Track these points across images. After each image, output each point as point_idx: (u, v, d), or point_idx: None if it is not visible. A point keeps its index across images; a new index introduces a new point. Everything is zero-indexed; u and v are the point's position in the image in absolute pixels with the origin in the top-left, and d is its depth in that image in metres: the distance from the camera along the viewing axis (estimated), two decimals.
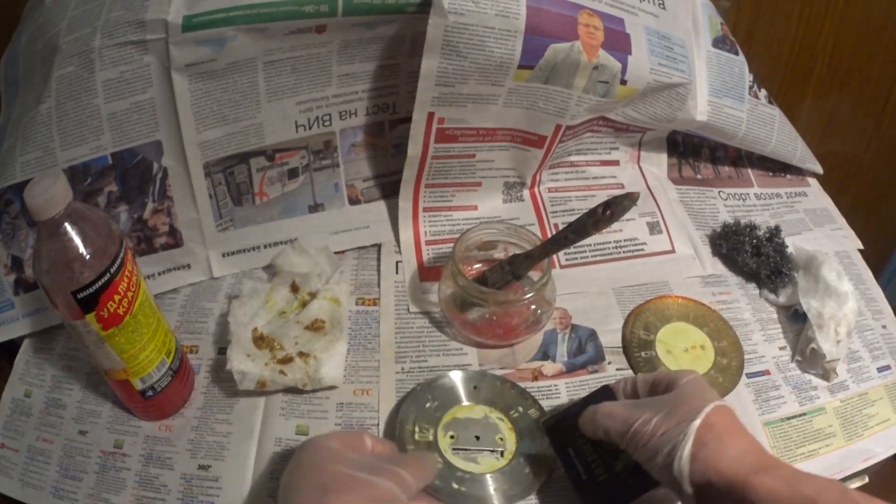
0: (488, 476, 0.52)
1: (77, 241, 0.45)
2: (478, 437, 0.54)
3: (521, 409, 0.56)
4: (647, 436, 0.44)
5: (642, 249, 0.71)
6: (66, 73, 0.56)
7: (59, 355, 0.61)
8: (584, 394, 0.54)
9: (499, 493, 0.51)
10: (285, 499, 0.43)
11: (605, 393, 0.51)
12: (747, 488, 0.40)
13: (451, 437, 0.54)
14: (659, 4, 0.68)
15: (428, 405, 0.55)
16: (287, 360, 0.56)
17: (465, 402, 0.56)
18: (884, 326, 0.67)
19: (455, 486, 0.51)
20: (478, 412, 0.56)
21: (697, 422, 0.43)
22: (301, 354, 0.57)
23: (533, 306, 0.60)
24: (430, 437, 0.53)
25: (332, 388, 0.58)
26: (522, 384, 0.58)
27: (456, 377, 0.58)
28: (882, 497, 0.40)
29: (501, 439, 0.54)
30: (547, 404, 0.57)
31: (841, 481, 0.40)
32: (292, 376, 0.55)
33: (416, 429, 0.53)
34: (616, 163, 0.78)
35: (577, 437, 0.50)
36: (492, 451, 0.53)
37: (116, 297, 0.47)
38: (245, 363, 0.55)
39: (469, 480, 0.51)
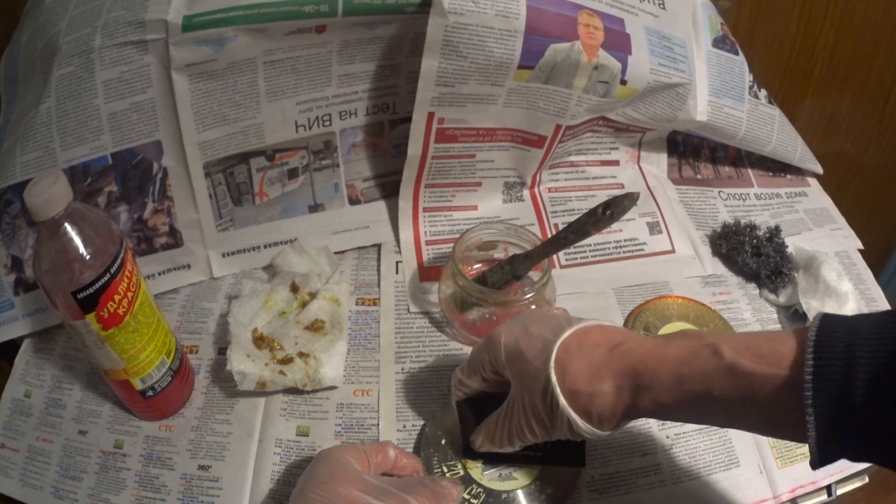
0: (532, 486, 0.51)
1: (77, 241, 0.45)
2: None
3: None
4: (531, 438, 0.45)
5: (642, 249, 0.71)
6: (66, 73, 0.56)
7: (59, 355, 0.61)
8: None
9: (550, 498, 0.50)
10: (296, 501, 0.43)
11: (469, 405, 0.52)
12: (642, 412, 0.41)
13: (480, 461, 0.52)
14: (659, 4, 0.68)
15: (443, 441, 0.53)
16: (287, 361, 0.56)
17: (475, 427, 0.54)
18: None
19: None
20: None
21: (563, 402, 0.42)
22: (301, 355, 0.57)
23: (533, 306, 0.60)
24: (462, 472, 0.52)
25: (332, 388, 0.58)
26: None
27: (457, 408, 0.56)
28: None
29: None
30: None
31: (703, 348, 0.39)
32: (292, 377, 0.55)
33: (445, 470, 0.52)
34: (616, 163, 0.78)
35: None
36: (524, 459, 0.52)
37: (116, 298, 0.47)
38: (245, 364, 0.55)
39: (515, 500, 0.50)
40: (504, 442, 0.48)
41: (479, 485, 0.51)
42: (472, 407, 0.52)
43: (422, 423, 0.56)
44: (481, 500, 0.50)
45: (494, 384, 0.49)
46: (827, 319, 0.35)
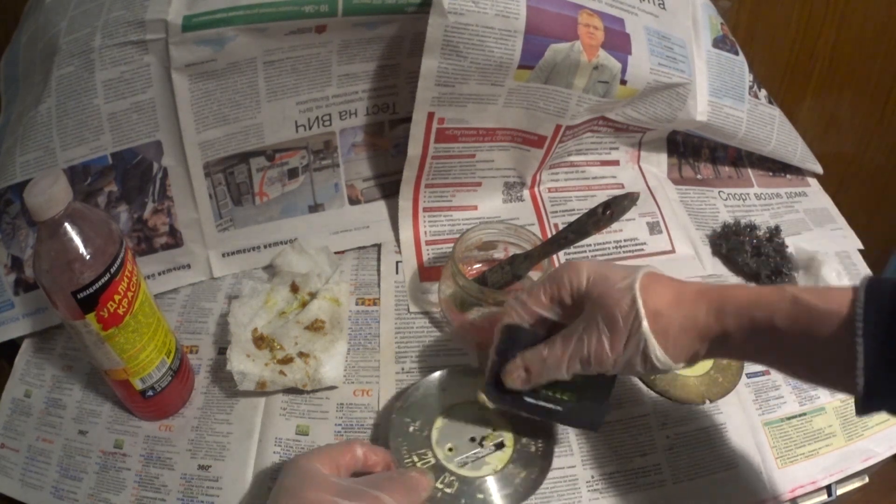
0: (504, 471, 0.51)
1: (77, 241, 0.45)
2: (473, 439, 0.53)
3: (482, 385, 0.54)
4: (610, 362, 0.44)
5: (642, 249, 0.71)
6: (66, 73, 0.56)
7: (59, 355, 0.61)
8: None
9: (525, 481, 0.50)
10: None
11: (514, 332, 0.48)
12: (720, 341, 0.42)
13: (450, 450, 0.52)
14: (659, 4, 0.68)
15: (411, 429, 0.53)
16: (287, 361, 0.56)
17: (442, 409, 0.55)
18: None
19: (480, 496, 0.49)
20: (459, 412, 0.54)
21: (645, 322, 0.43)
22: (301, 354, 0.57)
23: None
24: (433, 460, 0.52)
25: (332, 388, 0.58)
26: None
27: (421, 388, 0.56)
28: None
29: (495, 429, 0.53)
30: None
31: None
32: (292, 376, 0.55)
33: (416, 459, 0.52)
34: (616, 163, 0.78)
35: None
36: (495, 447, 0.52)
37: (116, 297, 0.47)
38: (245, 363, 0.55)
39: (489, 485, 0.50)
40: (553, 368, 0.46)
41: (452, 473, 0.50)
42: (511, 339, 0.49)
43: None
44: (455, 488, 0.50)
45: (553, 314, 0.48)
46: (875, 278, 0.38)
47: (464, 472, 0.51)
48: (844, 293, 0.38)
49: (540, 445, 0.52)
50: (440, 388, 0.56)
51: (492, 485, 0.50)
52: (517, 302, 0.48)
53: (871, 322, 0.36)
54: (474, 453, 0.52)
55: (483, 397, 0.50)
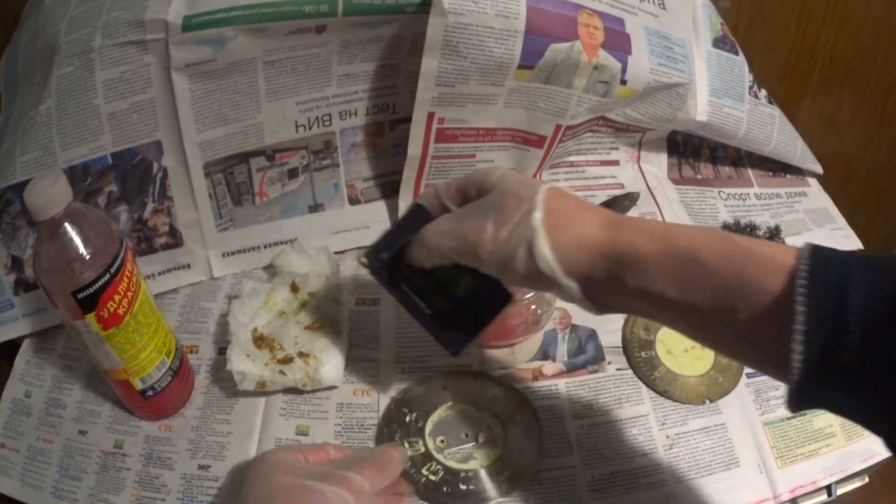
0: (492, 467, 0.52)
1: (77, 241, 0.45)
2: (466, 435, 0.54)
3: (494, 393, 0.56)
4: (488, 243, 0.40)
5: None
6: (66, 73, 0.56)
7: (59, 355, 0.61)
8: (584, 393, 0.54)
9: (509, 480, 0.51)
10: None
11: (418, 212, 0.46)
12: (621, 254, 0.37)
13: (441, 441, 0.54)
14: (659, 4, 0.68)
15: (408, 419, 0.55)
16: (287, 361, 0.56)
17: (441, 406, 0.56)
18: None
19: (463, 486, 0.51)
20: (456, 411, 0.56)
21: (538, 213, 0.39)
22: (301, 354, 0.57)
23: (533, 306, 0.60)
24: (423, 449, 0.53)
25: (332, 388, 0.58)
26: (522, 384, 0.58)
27: (423, 384, 0.57)
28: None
29: (489, 428, 0.54)
30: (547, 404, 0.57)
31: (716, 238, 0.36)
32: (292, 376, 0.55)
33: (407, 446, 0.53)
34: (616, 163, 0.78)
35: (404, 269, 0.46)
36: (486, 443, 0.53)
37: (116, 298, 0.47)
38: (245, 364, 0.55)
39: (474, 478, 0.51)
40: (432, 242, 0.43)
41: (439, 462, 0.52)
42: (415, 218, 0.47)
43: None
44: (439, 476, 0.51)
45: (455, 205, 0.46)
46: (816, 248, 0.32)
47: (451, 462, 0.52)
48: (783, 246, 0.33)
49: (530, 446, 0.53)
50: (441, 386, 0.57)
51: (477, 477, 0.51)
52: (430, 188, 0.47)
53: (816, 282, 0.30)
54: (464, 447, 0.53)
55: (363, 260, 0.48)
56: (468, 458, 0.53)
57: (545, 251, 0.38)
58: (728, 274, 0.33)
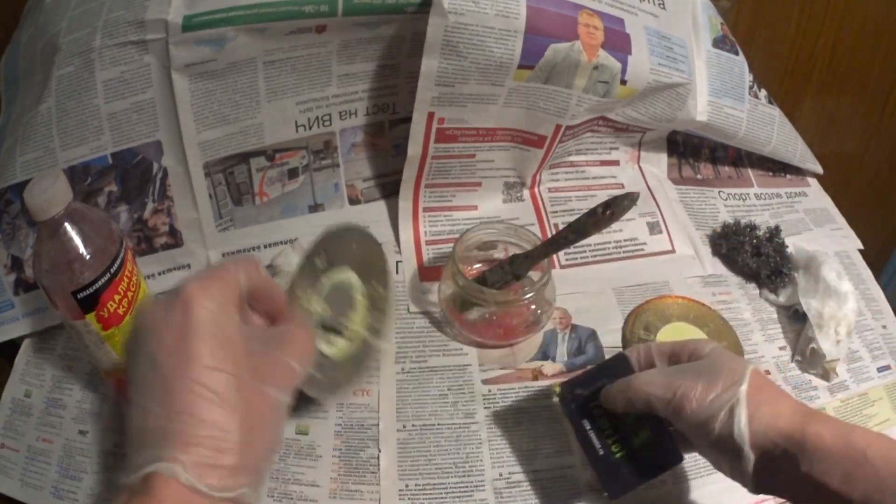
0: (331, 361, 0.48)
1: (77, 241, 0.45)
2: (343, 316, 0.50)
3: (377, 286, 0.53)
4: (694, 402, 0.44)
5: (642, 249, 0.71)
6: (66, 73, 0.56)
7: (59, 355, 0.61)
8: None
9: (333, 381, 0.48)
10: (167, 381, 0.32)
11: (622, 362, 0.50)
12: (806, 438, 0.40)
13: (325, 311, 0.49)
14: (659, 4, 0.68)
15: (318, 262, 0.49)
16: None
17: (346, 265, 0.51)
18: (884, 326, 0.67)
19: (312, 372, 0.45)
20: (351, 279, 0.51)
21: (744, 386, 0.43)
22: None
23: (533, 306, 0.60)
24: (307, 306, 0.47)
25: None
26: (522, 383, 0.58)
27: (360, 237, 0.52)
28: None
29: (356, 317, 0.51)
30: (547, 404, 0.57)
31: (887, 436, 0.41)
32: None
33: (299, 294, 0.47)
34: (616, 163, 0.78)
35: (593, 408, 0.49)
36: (344, 335, 0.49)
37: (116, 297, 0.47)
38: None
39: (326, 366, 0.47)
40: (638, 389, 0.47)
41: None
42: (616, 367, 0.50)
43: (422, 423, 0.56)
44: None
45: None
46: None
47: (321, 340, 0.48)
48: None
49: (372, 362, 0.51)
50: (366, 242, 0.52)
51: (324, 368, 0.47)
52: (643, 346, 0.51)
53: None
54: (336, 326, 0.49)
55: (557, 390, 0.51)
56: (329, 341, 0.49)
57: (743, 419, 0.43)
58: (887, 475, 0.38)
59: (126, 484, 0.31)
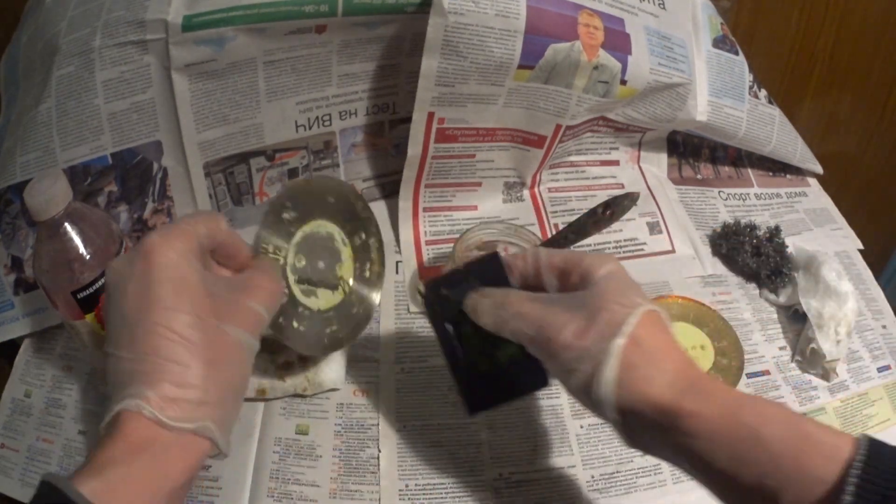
0: (322, 314, 0.47)
1: (77, 241, 0.45)
2: (322, 264, 0.48)
3: (363, 235, 0.51)
4: (560, 346, 0.38)
5: (642, 249, 0.71)
6: (66, 73, 0.56)
7: (59, 355, 0.61)
8: None
9: (332, 336, 0.47)
10: (132, 330, 0.35)
11: (496, 265, 0.44)
12: (680, 417, 0.35)
13: (299, 261, 0.47)
14: (659, 4, 0.68)
15: (286, 215, 0.47)
16: (287, 365, 0.56)
17: (319, 217, 0.49)
18: (884, 326, 0.67)
19: (295, 324, 0.45)
20: (326, 229, 0.49)
21: (622, 340, 0.37)
22: (301, 359, 0.57)
23: None
24: (282, 261, 0.46)
25: (333, 390, 0.57)
26: None
27: (325, 181, 0.51)
28: None
29: (341, 268, 0.49)
30: (547, 404, 0.57)
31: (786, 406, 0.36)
32: (292, 382, 0.55)
33: (270, 251, 0.46)
34: (616, 163, 0.78)
35: (458, 314, 0.44)
36: (330, 287, 0.48)
37: None
38: None
39: (308, 319, 0.46)
40: (508, 310, 0.41)
41: (287, 285, 0.46)
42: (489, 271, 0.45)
43: (422, 422, 0.56)
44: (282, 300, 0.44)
45: (551, 286, 0.43)
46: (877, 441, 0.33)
47: (297, 290, 0.46)
48: (844, 436, 0.33)
49: (362, 311, 0.49)
50: (343, 194, 0.50)
51: (309, 319, 0.46)
52: (534, 251, 0.44)
53: (869, 478, 0.31)
54: (316, 277, 0.47)
55: (420, 288, 0.46)
56: (311, 293, 0.47)
57: (609, 384, 0.37)
58: (785, 458, 0.33)
59: (101, 427, 0.34)
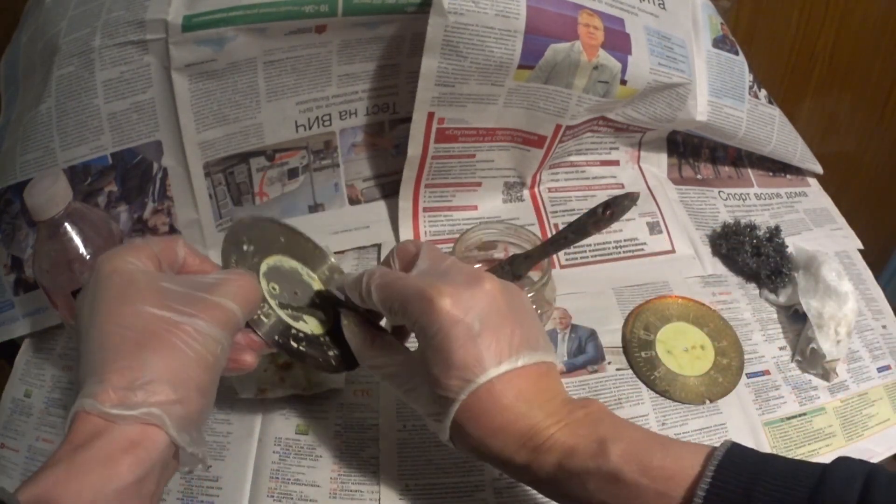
0: (323, 338, 0.47)
1: (77, 241, 0.45)
2: (297, 293, 0.48)
3: (326, 270, 0.51)
4: (401, 386, 0.40)
5: (642, 249, 0.71)
6: (66, 73, 0.56)
7: (59, 355, 0.61)
8: (584, 394, 0.54)
9: (337, 357, 0.47)
10: (85, 338, 0.35)
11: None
12: (531, 468, 0.36)
13: (273, 288, 0.46)
14: (659, 4, 0.68)
15: (245, 248, 0.46)
16: (287, 366, 0.56)
17: (277, 253, 0.48)
18: (884, 326, 0.67)
19: (294, 344, 0.45)
20: (289, 264, 0.49)
21: (455, 406, 0.37)
22: None
23: (532, 306, 0.60)
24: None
25: (333, 389, 0.58)
26: None
27: (270, 222, 0.50)
28: None
29: (320, 307, 0.49)
30: None
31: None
32: (292, 382, 0.55)
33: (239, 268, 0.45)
34: (616, 163, 0.78)
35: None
36: (314, 311, 0.48)
37: None
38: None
39: (305, 340, 0.46)
40: (369, 357, 0.43)
41: (272, 307, 0.45)
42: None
43: (422, 422, 0.56)
44: (272, 321, 0.44)
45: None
46: (733, 452, 0.33)
47: (282, 313, 0.46)
48: (680, 469, 0.33)
49: (355, 337, 0.48)
50: (279, 235, 0.50)
51: (309, 341, 0.46)
52: (363, 286, 0.42)
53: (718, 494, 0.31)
54: (296, 304, 0.47)
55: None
56: (298, 318, 0.47)
57: (443, 430, 0.38)
58: (643, 483, 0.33)
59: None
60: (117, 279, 0.36)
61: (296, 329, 0.46)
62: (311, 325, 0.47)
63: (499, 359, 0.37)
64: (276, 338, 0.44)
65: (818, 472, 0.32)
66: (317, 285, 0.50)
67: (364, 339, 0.44)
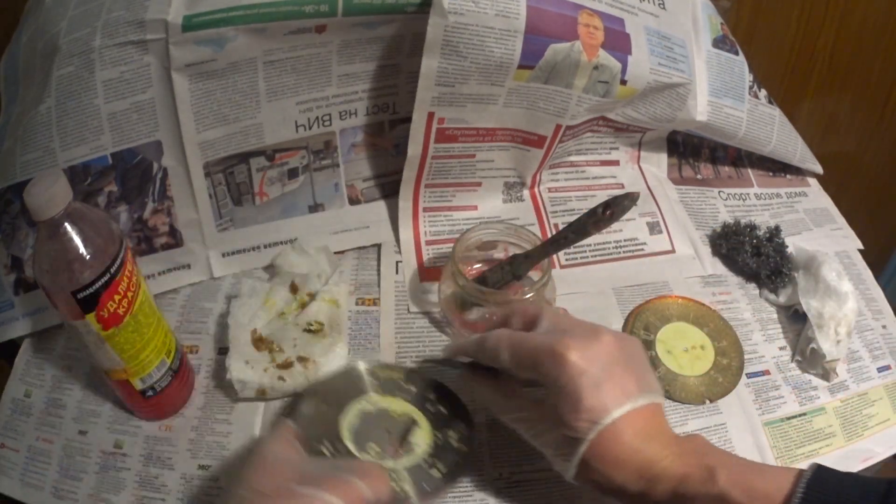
0: (438, 444, 0.48)
1: (77, 241, 0.45)
2: (389, 431, 0.48)
3: (375, 380, 0.52)
4: (529, 431, 0.45)
5: (642, 249, 0.71)
6: (66, 73, 0.56)
7: (59, 355, 0.61)
8: None
9: (453, 465, 0.47)
10: None
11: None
12: (650, 493, 0.41)
13: (376, 451, 0.47)
14: (659, 4, 0.68)
15: (325, 450, 0.46)
16: (287, 366, 0.56)
17: (337, 420, 0.48)
18: (884, 326, 0.67)
19: (433, 470, 0.46)
20: (355, 413, 0.49)
21: (584, 446, 0.42)
22: (300, 359, 0.57)
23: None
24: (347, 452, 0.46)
25: None
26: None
27: (303, 407, 0.49)
28: None
29: (399, 413, 0.50)
30: None
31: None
32: (292, 382, 0.55)
33: (328, 448, 0.46)
34: (616, 163, 0.78)
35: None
36: (411, 425, 0.48)
37: (116, 297, 0.47)
38: (244, 372, 0.55)
39: (433, 461, 0.46)
40: (505, 408, 0.48)
41: (393, 469, 0.45)
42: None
43: None
44: (409, 481, 0.45)
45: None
46: (820, 474, 0.38)
47: (404, 462, 0.46)
48: (777, 491, 0.38)
49: (458, 424, 0.50)
50: (321, 400, 0.50)
51: (437, 458, 0.46)
52: (492, 346, 0.47)
53: None
54: (400, 438, 0.47)
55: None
56: (411, 448, 0.47)
57: (568, 473, 0.44)
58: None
59: None
60: (260, 462, 0.40)
61: (423, 459, 0.47)
62: (421, 441, 0.48)
63: (619, 402, 0.42)
64: (424, 485, 0.45)
65: (883, 488, 0.37)
66: (394, 404, 0.51)
67: (496, 392, 0.49)
